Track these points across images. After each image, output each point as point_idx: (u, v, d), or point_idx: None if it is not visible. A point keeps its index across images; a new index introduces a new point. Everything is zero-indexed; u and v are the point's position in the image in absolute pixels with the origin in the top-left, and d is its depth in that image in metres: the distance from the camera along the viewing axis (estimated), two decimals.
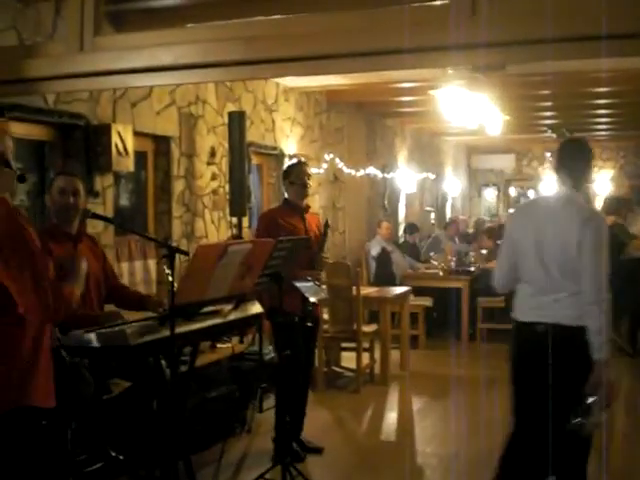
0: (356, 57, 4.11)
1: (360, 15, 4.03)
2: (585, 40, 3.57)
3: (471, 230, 15.29)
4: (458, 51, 3.81)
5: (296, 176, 5.84)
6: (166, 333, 3.91)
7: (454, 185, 17.67)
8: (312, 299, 5.26)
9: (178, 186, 7.35)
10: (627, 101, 11.58)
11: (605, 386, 3.82)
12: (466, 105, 8.46)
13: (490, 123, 10.08)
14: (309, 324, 5.51)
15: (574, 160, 4.24)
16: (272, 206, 8.22)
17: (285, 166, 7.22)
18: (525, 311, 4.16)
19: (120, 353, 3.90)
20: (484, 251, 11.48)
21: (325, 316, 7.78)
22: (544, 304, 4.04)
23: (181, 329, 4.00)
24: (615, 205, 9.14)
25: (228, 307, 4.52)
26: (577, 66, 7.98)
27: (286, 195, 6.00)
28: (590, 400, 3.83)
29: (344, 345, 8.47)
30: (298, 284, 5.17)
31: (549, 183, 19.26)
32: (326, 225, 5.75)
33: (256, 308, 4.81)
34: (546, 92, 10.63)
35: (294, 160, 8.26)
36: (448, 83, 8.19)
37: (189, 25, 5.36)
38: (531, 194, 20.23)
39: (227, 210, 7.90)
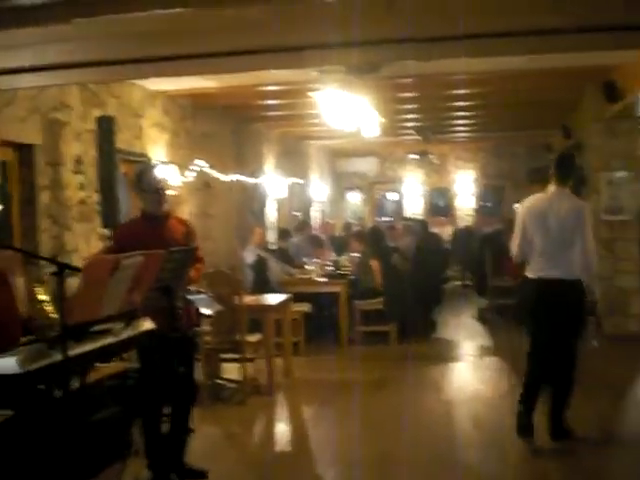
0: (218, 57, 3.89)
1: (219, 15, 3.80)
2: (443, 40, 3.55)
3: (340, 234, 15.32)
4: (332, 50, 3.68)
5: (147, 183, 5.32)
6: (58, 357, 3.58)
7: (320, 189, 17.67)
8: (207, 311, 5.01)
9: (44, 198, 6.92)
10: (486, 103, 11.86)
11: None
12: (344, 107, 8.36)
13: (366, 126, 10.04)
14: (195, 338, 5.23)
15: (564, 168, 6.22)
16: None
17: (134, 174, 6.03)
18: (538, 271, 6.03)
19: (7, 381, 3.55)
20: (356, 254, 11.43)
21: (206, 327, 7.51)
22: (551, 266, 5.96)
23: (74, 351, 3.69)
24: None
25: (119, 325, 4.23)
26: (439, 68, 8.07)
27: (142, 205, 5.45)
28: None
29: (223, 356, 8.20)
30: (191, 297, 4.91)
31: (411, 185, 19.67)
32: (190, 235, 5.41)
33: (147, 324, 4.54)
34: (410, 95, 10.73)
35: (141, 166, 7.73)
36: (321, 86, 8.07)
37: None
38: (393, 196, 20.55)
39: (97, 221, 7.52)
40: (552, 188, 6.13)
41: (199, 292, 5.12)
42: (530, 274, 6.11)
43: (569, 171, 6.25)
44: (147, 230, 5.23)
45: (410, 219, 15.23)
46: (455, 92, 10.72)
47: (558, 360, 6.11)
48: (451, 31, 3.38)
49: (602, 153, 10.74)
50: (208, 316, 5.16)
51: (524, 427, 6.18)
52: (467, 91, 10.58)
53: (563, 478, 5.63)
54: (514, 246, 6.22)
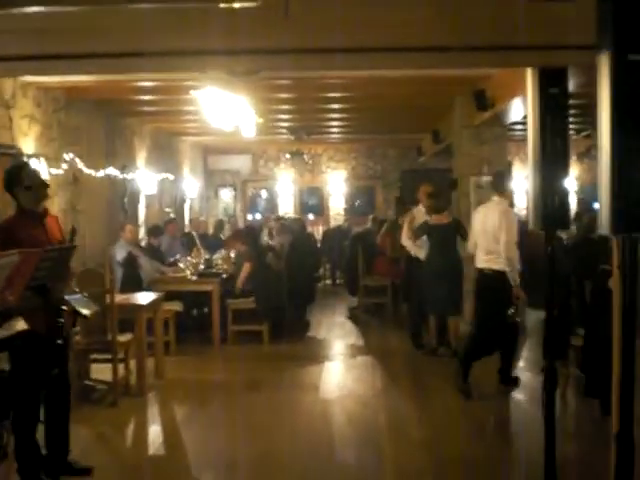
0: (94, 58, 3.79)
1: (98, 14, 3.70)
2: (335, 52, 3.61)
3: (213, 232, 15.22)
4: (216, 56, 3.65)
5: (30, 179, 5.12)
6: None
7: (192, 186, 17.48)
8: (86, 312, 4.85)
9: None
10: (359, 106, 12.03)
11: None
12: (224, 106, 8.29)
13: (245, 125, 9.99)
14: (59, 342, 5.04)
15: (500, 182, 7.82)
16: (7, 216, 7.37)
17: (6, 172, 5.47)
18: (481, 263, 7.72)
19: None
20: (232, 254, 11.36)
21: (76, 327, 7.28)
22: (487, 260, 7.62)
23: None
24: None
25: None
26: (314, 72, 8.12)
27: (19, 202, 5.18)
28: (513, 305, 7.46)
29: (93, 357, 7.98)
30: (68, 297, 4.75)
31: (284, 183, 19.73)
32: (73, 232, 5.23)
33: (21, 325, 4.37)
34: (287, 96, 10.77)
35: (16, 163, 7.41)
36: (200, 84, 7.99)
37: None
38: (265, 194, 20.57)
39: None
40: (493, 197, 7.80)
41: (74, 292, 4.95)
42: (476, 265, 7.91)
43: (503, 183, 7.83)
44: (28, 228, 5.02)
45: (286, 218, 15.26)
46: (329, 95, 10.82)
47: (502, 329, 7.62)
48: (343, 44, 3.42)
49: (471, 158, 11.05)
50: (84, 317, 4.97)
51: (466, 391, 7.63)
52: (341, 94, 10.71)
53: (437, 471, 5.77)
54: (469, 244, 8.21)
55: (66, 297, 4.76)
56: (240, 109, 8.87)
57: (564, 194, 4.16)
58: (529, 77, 4.14)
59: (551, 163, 4.08)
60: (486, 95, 9.28)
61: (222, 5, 3.42)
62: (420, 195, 10.04)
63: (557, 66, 4.02)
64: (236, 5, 3.42)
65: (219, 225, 15.59)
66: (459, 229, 9.46)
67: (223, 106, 8.28)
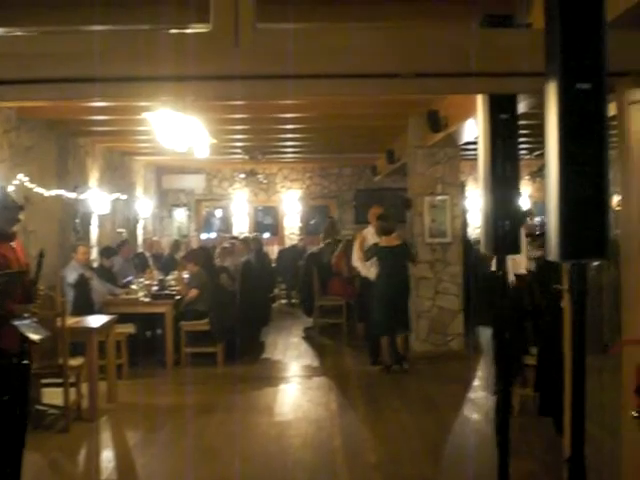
0: (44, 84, 3.74)
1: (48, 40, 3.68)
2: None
3: (169, 252, 15.09)
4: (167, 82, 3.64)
5: (8, 201, 5.25)
6: None
7: (145, 206, 17.34)
8: (35, 337, 4.77)
9: None
10: (313, 127, 12.03)
11: None
12: (177, 127, 8.24)
13: (198, 146, 9.95)
14: (25, 362, 4.98)
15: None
16: None
17: None
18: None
19: None
20: (186, 275, 11.26)
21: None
22: None
23: None
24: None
25: None
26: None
27: None
28: None
29: (44, 381, 7.86)
30: (16, 322, 4.66)
31: (238, 202, 19.67)
32: (41, 255, 5.22)
33: None
34: (241, 116, 10.75)
35: None
36: (157, 105, 7.92)
37: None
38: (220, 213, 20.49)
39: None
40: None
41: (24, 316, 4.86)
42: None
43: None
44: (2, 245, 5.00)
45: (242, 238, 15.16)
46: (284, 115, 10.82)
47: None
48: (294, 71, 3.45)
49: (425, 178, 11.14)
50: (34, 343, 4.89)
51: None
52: (295, 115, 10.71)
53: None
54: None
55: (15, 322, 4.68)
56: (193, 130, 8.82)
57: (515, 218, 4.19)
58: (480, 102, 4.20)
59: (501, 187, 4.11)
60: (439, 116, 9.35)
61: (173, 31, 3.42)
62: (370, 217, 10.21)
63: (507, 93, 4.09)
64: (188, 30, 3.42)
65: (175, 245, 15.45)
66: (408, 253, 9.69)
67: (176, 127, 8.23)
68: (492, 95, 4.09)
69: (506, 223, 4.12)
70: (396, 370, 9.66)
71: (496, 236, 4.15)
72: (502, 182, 4.12)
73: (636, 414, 3.44)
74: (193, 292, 10.51)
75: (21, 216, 5.32)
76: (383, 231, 9.75)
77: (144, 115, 8.05)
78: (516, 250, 4.24)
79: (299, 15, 4.69)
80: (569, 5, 2.88)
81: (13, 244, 5.27)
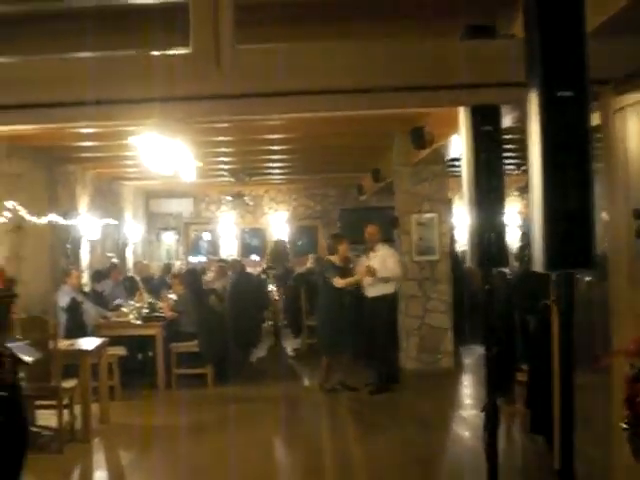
0: (29, 109, 3.83)
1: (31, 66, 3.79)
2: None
3: (159, 275, 15.14)
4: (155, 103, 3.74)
5: None
6: None
7: (134, 230, 17.41)
8: (28, 359, 4.84)
9: None
10: (298, 147, 12.12)
11: None
12: (162, 151, 8.33)
13: (184, 169, 10.03)
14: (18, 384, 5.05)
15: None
16: None
17: None
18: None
19: None
20: (174, 297, 11.32)
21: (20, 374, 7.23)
22: None
23: None
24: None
25: None
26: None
27: None
28: None
29: (38, 403, 7.90)
30: (10, 344, 4.74)
31: (226, 225, 19.74)
32: (11, 282, 5.26)
33: None
34: (226, 139, 10.83)
35: None
36: (142, 129, 8.02)
37: None
38: (208, 237, 20.54)
39: None
40: None
41: (16, 339, 4.93)
42: None
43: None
44: None
45: (224, 260, 15.22)
46: (268, 136, 10.88)
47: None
48: (308, 86, 3.55)
49: (411, 196, 11.23)
50: (26, 364, 4.96)
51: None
52: (280, 135, 10.77)
53: None
54: None
55: (9, 344, 4.74)
56: (179, 153, 8.91)
57: (500, 232, 4.19)
58: (462, 115, 4.21)
59: (486, 201, 4.11)
60: (424, 133, 9.26)
61: (155, 53, 3.53)
62: (366, 235, 10.09)
63: (488, 104, 4.10)
64: (170, 52, 3.53)
65: (166, 268, 15.51)
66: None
67: (161, 151, 8.32)
68: (474, 107, 4.09)
69: (492, 236, 4.13)
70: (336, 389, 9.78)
71: (481, 251, 4.17)
72: (487, 196, 4.12)
73: (625, 426, 3.39)
74: (170, 314, 10.61)
75: None
76: (329, 251, 10.04)
77: (130, 140, 8.13)
78: (502, 264, 4.25)
79: (278, 36, 4.80)
80: (548, 13, 2.89)
81: None
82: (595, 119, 3.68)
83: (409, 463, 6.93)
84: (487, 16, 4.62)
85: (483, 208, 4.14)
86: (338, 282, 9.56)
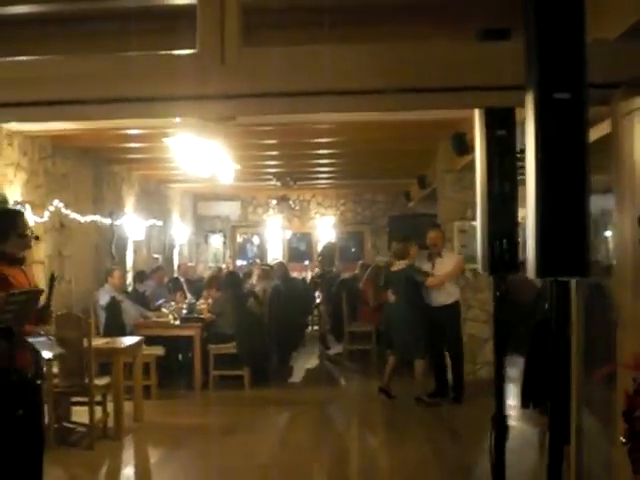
0: (71, 105, 3.90)
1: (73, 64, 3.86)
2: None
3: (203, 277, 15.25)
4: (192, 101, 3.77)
5: (25, 228, 5.21)
6: None
7: (181, 232, 17.59)
8: (48, 355, 4.91)
9: None
10: (346, 151, 12.10)
11: None
12: (199, 153, 8.40)
13: (222, 172, 10.10)
14: (39, 382, 5.12)
15: None
16: None
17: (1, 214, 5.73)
18: None
19: None
20: (210, 300, 11.40)
21: (54, 370, 7.40)
22: None
23: None
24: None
25: None
26: (298, 117, 8.22)
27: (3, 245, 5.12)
28: None
29: (74, 399, 8.04)
30: (31, 340, 4.81)
31: (273, 229, 19.81)
32: (53, 278, 5.33)
33: None
34: (272, 142, 10.87)
35: (12, 208, 7.67)
36: (180, 131, 8.10)
37: None
38: (256, 240, 20.65)
39: None
40: None
41: (39, 334, 5.00)
42: None
43: None
44: (14, 269, 5.11)
45: (268, 264, 15.27)
46: (315, 140, 10.88)
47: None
48: (314, 87, 3.57)
49: (454, 203, 11.12)
50: (48, 359, 5.03)
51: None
52: (327, 139, 10.77)
53: None
54: None
55: (30, 339, 4.82)
56: (216, 156, 8.97)
57: (512, 237, 4.12)
58: (476, 119, 4.16)
59: (499, 206, 4.05)
60: (465, 139, 9.15)
61: (161, 52, 3.57)
62: (428, 241, 9.90)
63: (502, 107, 4.03)
64: (175, 52, 3.58)
65: (214, 272, 15.61)
66: (411, 276, 9.57)
67: (197, 153, 8.37)
68: (488, 110, 4.03)
69: (504, 242, 4.07)
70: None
71: (493, 256, 4.11)
72: (500, 201, 4.07)
73: (624, 440, 3.35)
74: (208, 316, 10.70)
75: (32, 244, 5.41)
76: (395, 256, 9.81)
77: (164, 141, 8.21)
78: (514, 269, 4.18)
79: (285, 40, 4.81)
80: (546, 14, 2.84)
81: (23, 267, 5.38)
82: (605, 128, 3.61)
83: (440, 474, 6.86)
84: (503, 19, 4.55)
85: (495, 213, 4.08)
86: (432, 282, 9.44)
